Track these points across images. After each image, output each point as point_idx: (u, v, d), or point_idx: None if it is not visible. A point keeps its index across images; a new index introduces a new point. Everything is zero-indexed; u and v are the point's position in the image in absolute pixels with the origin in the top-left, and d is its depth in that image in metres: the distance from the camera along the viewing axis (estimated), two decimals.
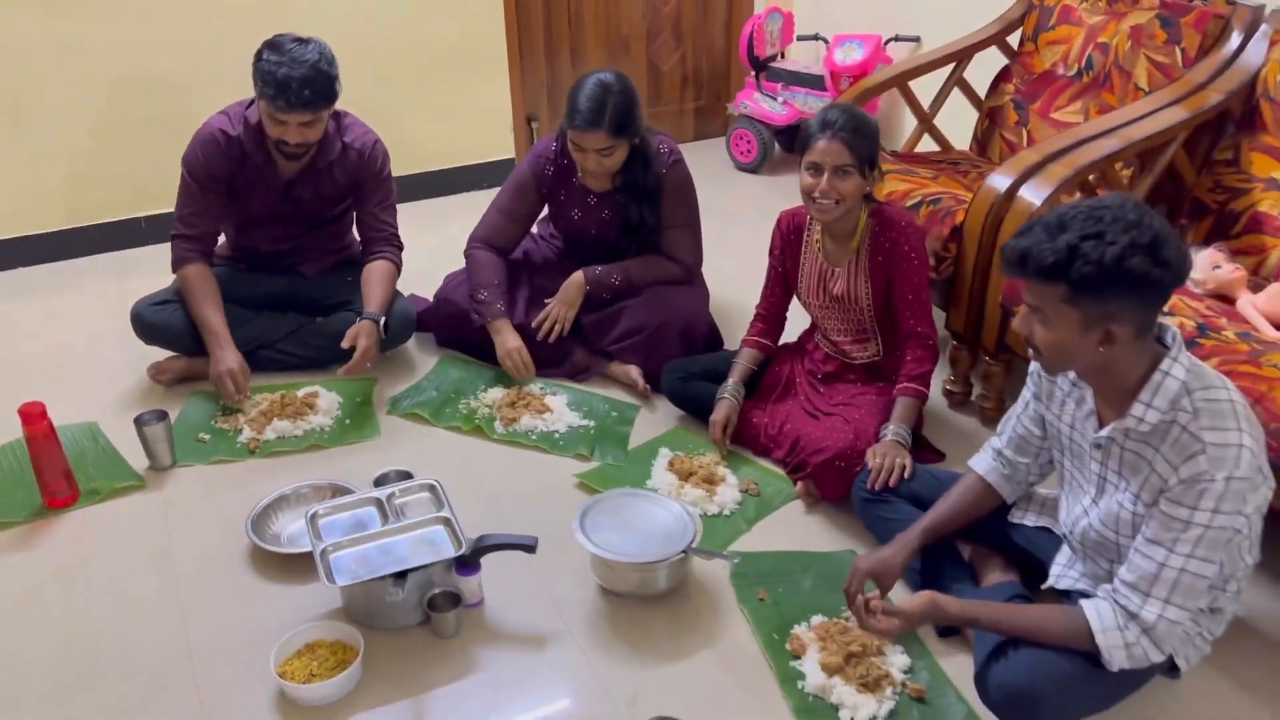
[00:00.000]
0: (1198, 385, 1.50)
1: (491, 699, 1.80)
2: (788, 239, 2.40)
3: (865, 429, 2.20)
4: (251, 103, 2.58)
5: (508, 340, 2.62)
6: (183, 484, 2.38)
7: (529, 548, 1.97)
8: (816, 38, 4.01)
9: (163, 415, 2.40)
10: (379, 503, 2.07)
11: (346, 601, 1.97)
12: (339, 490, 2.22)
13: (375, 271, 2.72)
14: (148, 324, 2.67)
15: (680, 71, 4.35)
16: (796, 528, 2.22)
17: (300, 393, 2.62)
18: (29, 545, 2.16)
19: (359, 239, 2.80)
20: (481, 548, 1.95)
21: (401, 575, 1.87)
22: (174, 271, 2.64)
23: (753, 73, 4.08)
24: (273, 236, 2.79)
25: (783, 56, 4.15)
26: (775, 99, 4.02)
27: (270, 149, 2.61)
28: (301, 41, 2.47)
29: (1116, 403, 1.57)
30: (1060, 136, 2.42)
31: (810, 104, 3.95)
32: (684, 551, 1.96)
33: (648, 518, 2.05)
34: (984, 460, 1.90)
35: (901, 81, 3.03)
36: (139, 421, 2.37)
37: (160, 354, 2.74)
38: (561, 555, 2.09)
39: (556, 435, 2.51)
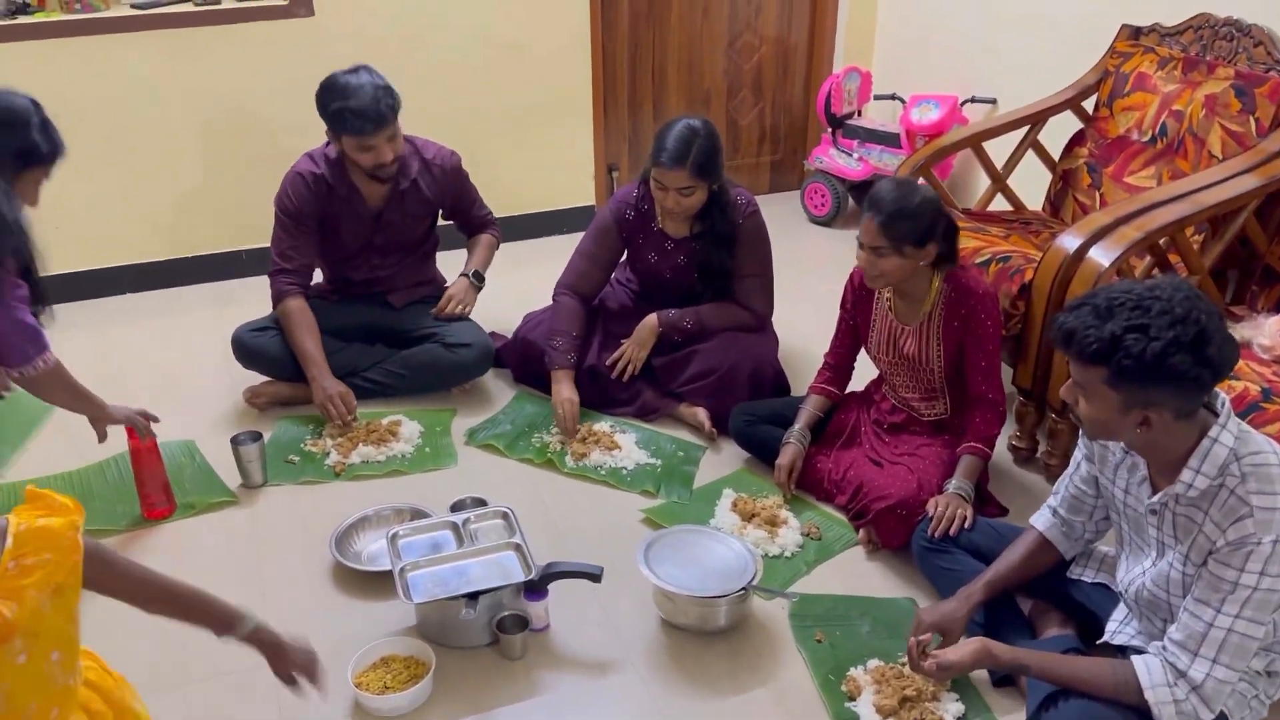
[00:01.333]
0: (1246, 451, 1.53)
1: None
2: (859, 294, 2.46)
3: (929, 479, 2.25)
4: (328, 143, 2.75)
5: (562, 390, 2.73)
6: (272, 502, 2.51)
7: (594, 577, 2.05)
8: (894, 97, 4.10)
9: (257, 436, 2.55)
10: (455, 527, 2.18)
11: (421, 619, 2.07)
12: (418, 514, 2.33)
13: (479, 240, 3.08)
14: (247, 349, 2.84)
15: (758, 126, 4.47)
16: (856, 573, 2.26)
17: (385, 420, 2.75)
18: (127, 552, 2.30)
19: (465, 236, 3.10)
20: (549, 574, 2.04)
21: (474, 596, 1.97)
22: (274, 305, 2.81)
23: (829, 129, 4.17)
24: (364, 266, 2.95)
25: (860, 114, 4.23)
26: (851, 155, 4.11)
27: (355, 181, 2.78)
28: (351, 72, 2.65)
29: (1168, 471, 1.60)
30: (1132, 200, 2.46)
31: (885, 160, 4.02)
32: (744, 589, 2.03)
33: (710, 554, 2.12)
34: (1043, 517, 1.94)
35: (976, 142, 3.09)
36: (235, 442, 2.52)
37: (255, 379, 2.90)
38: (625, 587, 2.17)
39: (624, 471, 2.60)
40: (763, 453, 2.57)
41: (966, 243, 2.72)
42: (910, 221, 2.16)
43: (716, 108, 4.35)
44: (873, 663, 1.96)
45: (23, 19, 3.22)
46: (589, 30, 3.89)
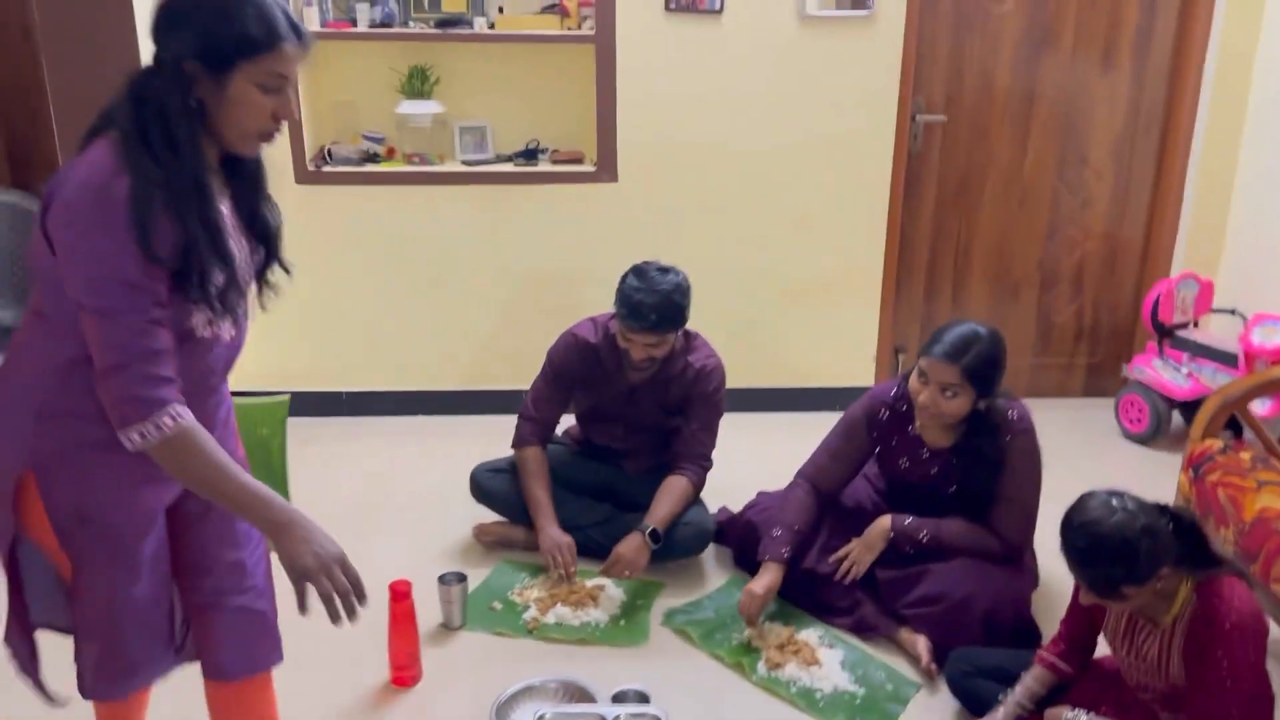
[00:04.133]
0: None
1: None
2: None
3: None
4: (612, 315, 2.81)
5: (763, 580, 2.51)
6: (464, 646, 2.53)
7: None
8: (1233, 312, 3.56)
9: (462, 578, 2.59)
10: (602, 719, 2.05)
11: None
12: (581, 693, 2.23)
13: (671, 486, 2.79)
14: (481, 487, 2.95)
15: (1075, 325, 4.06)
16: None
17: (589, 583, 2.71)
18: None
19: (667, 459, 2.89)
20: None
21: None
22: (513, 448, 2.90)
23: (1156, 338, 3.70)
24: (609, 433, 2.98)
25: (1195, 325, 3.72)
26: (1179, 370, 3.60)
27: (622, 358, 2.81)
28: (664, 271, 2.69)
29: None
30: None
31: (1218, 380, 3.47)
32: None
33: None
34: None
35: None
36: (441, 580, 2.58)
37: (488, 515, 2.98)
38: None
39: (818, 695, 2.33)
40: (977, 709, 2.20)
41: (1269, 501, 2.23)
42: (1122, 567, 1.77)
43: (1026, 300, 4.02)
44: None
45: (371, 167, 3.68)
46: (887, 211, 3.78)
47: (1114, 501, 1.81)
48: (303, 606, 1.43)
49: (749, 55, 3.58)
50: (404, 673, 2.38)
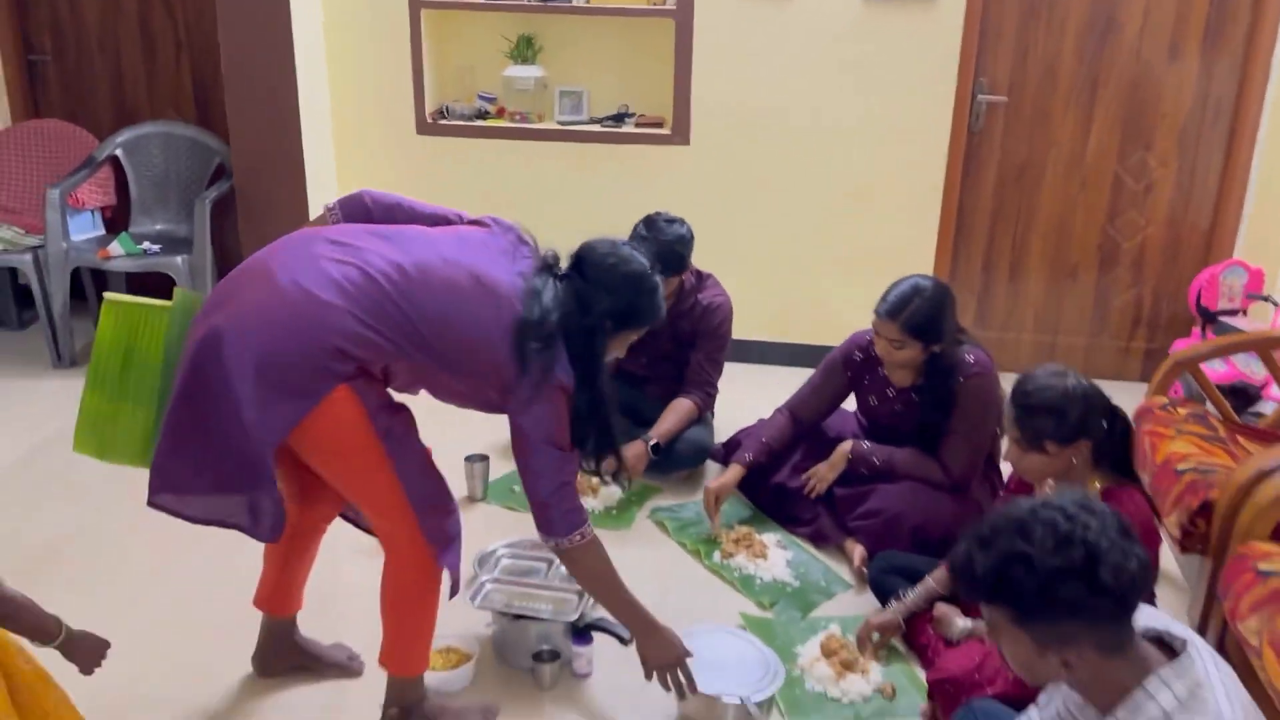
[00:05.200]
0: (1183, 717, 1.30)
1: None
2: (1021, 483, 2.32)
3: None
4: None
5: (721, 478, 2.91)
6: (480, 514, 3.03)
7: (622, 640, 2.24)
8: (1267, 299, 3.58)
9: (484, 458, 3.09)
10: (550, 563, 2.49)
11: (494, 631, 2.40)
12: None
13: (676, 406, 3.18)
14: None
15: (1133, 310, 4.13)
16: None
17: (594, 480, 3.15)
18: None
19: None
20: (588, 624, 2.28)
21: (517, 618, 2.27)
22: None
23: (1200, 323, 3.76)
24: (634, 361, 3.36)
25: (1244, 314, 3.75)
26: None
27: None
28: (670, 222, 3.11)
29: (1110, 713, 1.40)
30: None
31: (1253, 368, 3.52)
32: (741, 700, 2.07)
33: (740, 659, 2.19)
34: None
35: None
36: (467, 459, 3.09)
37: None
38: None
39: (757, 582, 2.69)
40: (885, 603, 2.50)
41: (1180, 447, 2.41)
42: (1050, 419, 2.02)
43: (1084, 282, 4.13)
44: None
45: (480, 122, 4.23)
46: (942, 185, 3.99)
47: (1065, 372, 2.07)
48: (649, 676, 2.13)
49: (815, 33, 3.89)
50: None
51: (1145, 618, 1.41)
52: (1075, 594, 1.27)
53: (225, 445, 1.82)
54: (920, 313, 2.66)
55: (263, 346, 1.80)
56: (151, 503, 1.91)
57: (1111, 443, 2.06)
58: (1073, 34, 3.85)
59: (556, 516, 2.01)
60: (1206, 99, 3.85)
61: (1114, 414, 2.10)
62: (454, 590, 2.06)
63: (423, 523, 1.97)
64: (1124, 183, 3.99)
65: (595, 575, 2.09)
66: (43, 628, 1.65)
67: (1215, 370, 3.62)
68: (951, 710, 2.07)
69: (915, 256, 4.09)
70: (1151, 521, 2.02)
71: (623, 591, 2.10)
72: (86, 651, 1.74)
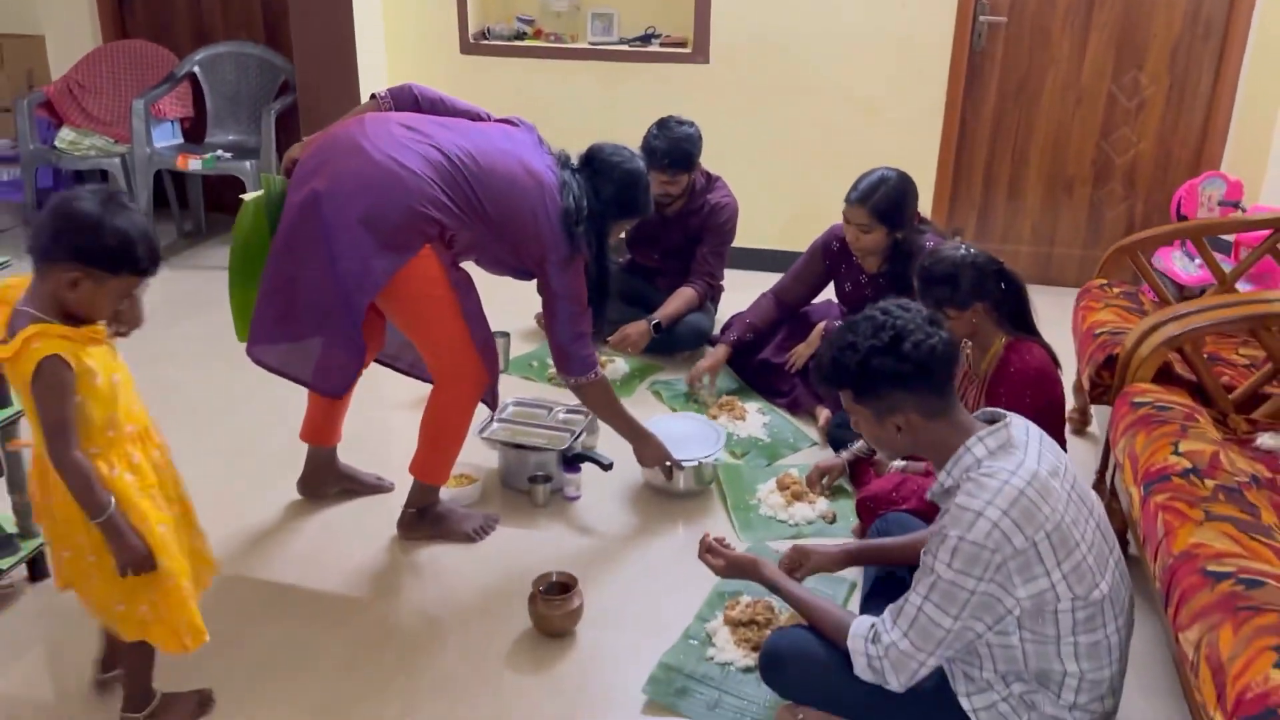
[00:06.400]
0: (987, 462, 1.66)
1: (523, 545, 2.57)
2: None
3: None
4: None
5: (713, 357, 3.31)
6: (505, 382, 3.42)
7: (604, 465, 2.66)
8: (1236, 205, 3.80)
9: (505, 335, 3.51)
10: (549, 410, 2.93)
11: (500, 461, 2.84)
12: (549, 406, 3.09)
13: (680, 292, 3.58)
14: None
15: (1125, 221, 4.37)
16: None
17: (602, 358, 3.55)
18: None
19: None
20: (577, 454, 2.70)
21: (517, 447, 2.71)
22: None
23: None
24: (648, 255, 3.79)
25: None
26: (1193, 260, 3.89)
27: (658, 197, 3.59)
28: (680, 123, 3.45)
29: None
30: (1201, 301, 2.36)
31: (1225, 268, 3.76)
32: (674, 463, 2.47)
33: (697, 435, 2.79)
34: None
35: (1196, 234, 3.06)
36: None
37: None
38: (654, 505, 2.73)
39: (734, 437, 3.07)
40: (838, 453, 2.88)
41: (1103, 315, 2.72)
42: (945, 286, 2.27)
43: (1079, 195, 4.38)
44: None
45: (517, 42, 4.60)
46: (943, 101, 4.26)
47: (961, 246, 2.33)
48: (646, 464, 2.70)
49: None
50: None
51: (991, 413, 1.77)
52: (887, 365, 1.64)
53: (314, 294, 2.27)
54: (885, 199, 2.97)
55: (367, 208, 2.21)
56: (248, 353, 2.39)
57: (1007, 302, 2.33)
58: None
59: (574, 359, 2.49)
60: (1197, 19, 4.05)
61: (1008, 277, 2.33)
62: (493, 404, 2.58)
63: (483, 357, 2.43)
64: (1117, 100, 4.22)
65: (603, 404, 2.61)
66: (95, 502, 1.69)
67: (1189, 275, 3.87)
68: (872, 523, 2.45)
69: (919, 170, 4.31)
70: (1048, 367, 2.31)
71: (624, 413, 2.63)
72: (120, 544, 1.72)
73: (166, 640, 1.81)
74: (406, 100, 2.50)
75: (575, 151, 2.48)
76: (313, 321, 2.31)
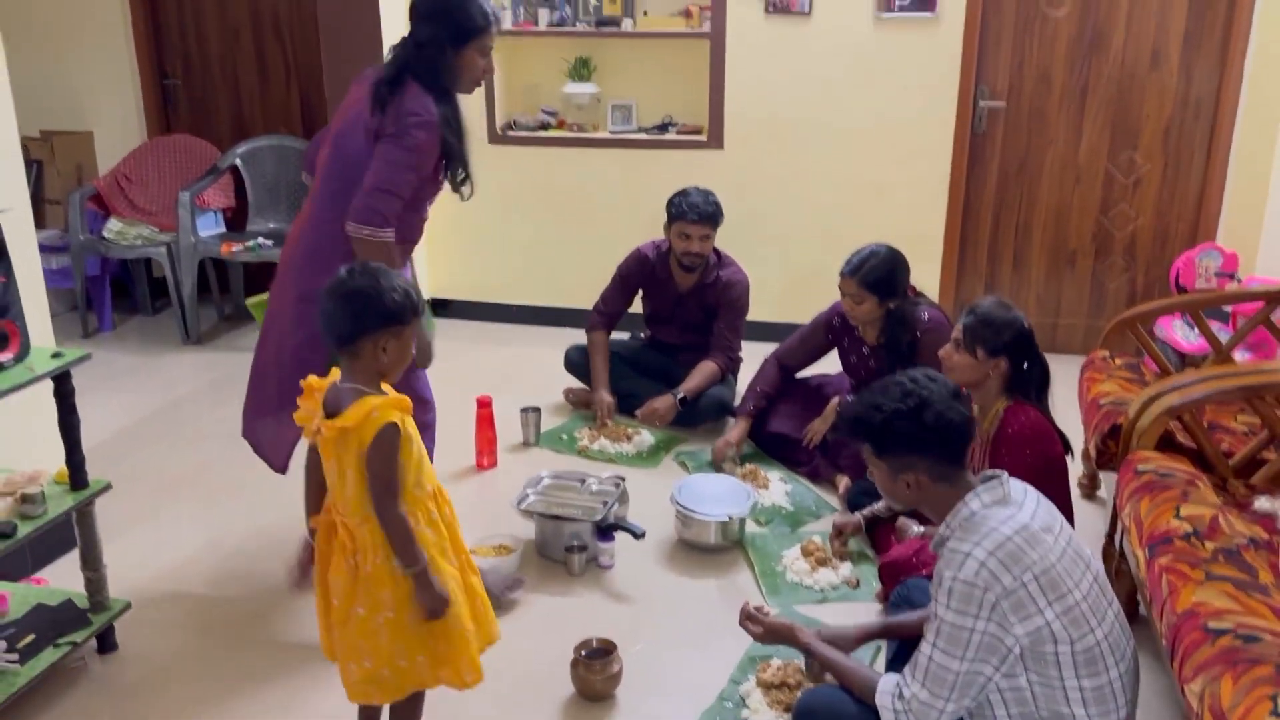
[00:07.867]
0: (981, 515, 1.81)
1: (562, 612, 2.70)
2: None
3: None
4: (666, 240, 3.80)
5: (732, 432, 3.50)
6: (534, 456, 3.63)
7: (636, 535, 2.81)
8: (1232, 276, 3.97)
9: (537, 410, 3.69)
10: (582, 482, 3.08)
11: (536, 531, 2.99)
12: (582, 477, 3.23)
13: (702, 367, 3.76)
14: (570, 360, 4.03)
15: (1127, 291, 4.54)
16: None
17: (629, 430, 3.72)
18: None
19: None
20: (609, 523, 2.84)
21: (552, 518, 2.86)
22: (586, 331, 3.96)
23: None
24: (668, 331, 3.98)
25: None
26: (1193, 329, 4.06)
27: (673, 269, 3.80)
28: (701, 191, 3.68)
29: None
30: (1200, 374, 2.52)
31: (1222, 337, 3.91)
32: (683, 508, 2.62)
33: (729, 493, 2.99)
34: None
35: (1195, 307, 3.19)
36: (522, 410, 3.69)
37: (575, 382, 4.06)
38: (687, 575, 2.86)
39: (758, 505, 3.21)
40: (867, 526, 3.00)
41: (1107, 386, 2.87)
42: (991, 330, 2.45)
43: (1082, 268, 4.56)
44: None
45: (541, 133, 4.86)
46: (948, 180, 4.48)
47: (1013, 307, 2.51)
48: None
49: (832, 49, 4.42)
50: (482, 458, 3.51)
51: (990, 475, 1.92)
52: (907, 429, 1.81)
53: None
54: (875, 270, 3.16)
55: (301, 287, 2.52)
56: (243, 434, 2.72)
57: (1026, 378, 2.51)
58: (1064, 45, 4.31)
59: (362, 207, 2.39)
60: (1187, 101, 4.27)
61: (1037, 357, 2.54)
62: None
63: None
64: (1115, 178, 4.42)
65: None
66: (414, 553, 1.85)
67: (1190, 343, 4.03)
68: (893, 588, 2.58)
69: (926, 245, 4.58)
70: (1044, 426, 2.44)
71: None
72: (430, 594, 1.88)
73: (451, 678, 1.98)
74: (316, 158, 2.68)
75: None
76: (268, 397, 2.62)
